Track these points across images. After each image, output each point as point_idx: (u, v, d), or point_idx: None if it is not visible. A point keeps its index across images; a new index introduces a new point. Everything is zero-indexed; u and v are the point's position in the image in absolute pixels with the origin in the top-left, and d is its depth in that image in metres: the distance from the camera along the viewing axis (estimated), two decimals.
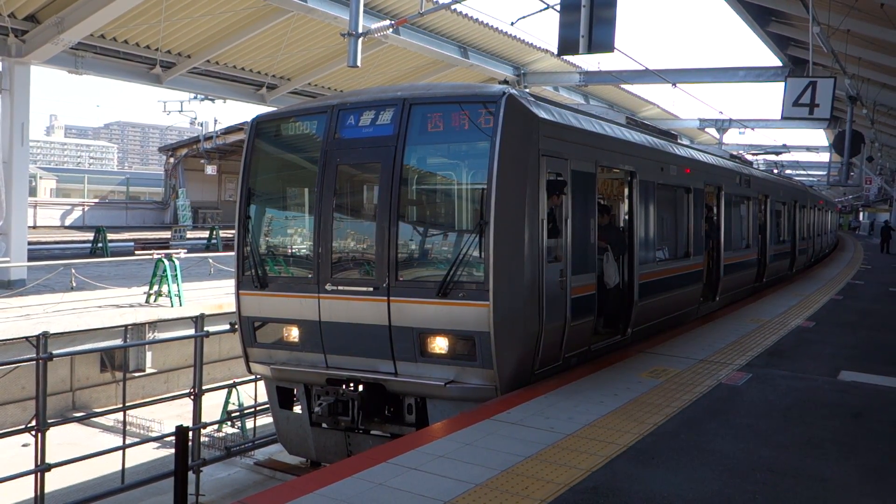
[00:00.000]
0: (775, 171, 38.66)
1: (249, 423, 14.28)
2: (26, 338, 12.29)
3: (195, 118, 44.06)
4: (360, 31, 14.22)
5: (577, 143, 8.73)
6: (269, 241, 9.22)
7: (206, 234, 34.49)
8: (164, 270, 16.07)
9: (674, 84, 25.33)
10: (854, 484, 5.42)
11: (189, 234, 35.30)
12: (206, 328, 12.10)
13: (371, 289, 7.91)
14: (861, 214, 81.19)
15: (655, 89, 36.18)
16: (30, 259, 18.64)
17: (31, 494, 10.01)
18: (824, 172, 48.28)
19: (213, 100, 33.76)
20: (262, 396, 12.49)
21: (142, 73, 21.72)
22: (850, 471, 5.67)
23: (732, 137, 45.44)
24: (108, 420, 15.29)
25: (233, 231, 9.24)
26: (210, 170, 44.26)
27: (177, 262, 16.29)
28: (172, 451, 10.41)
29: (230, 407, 14.47)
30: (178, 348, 17.72)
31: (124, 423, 12.33)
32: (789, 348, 10.45)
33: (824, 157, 48.61)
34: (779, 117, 13.01)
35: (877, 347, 11.01)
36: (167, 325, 15.51)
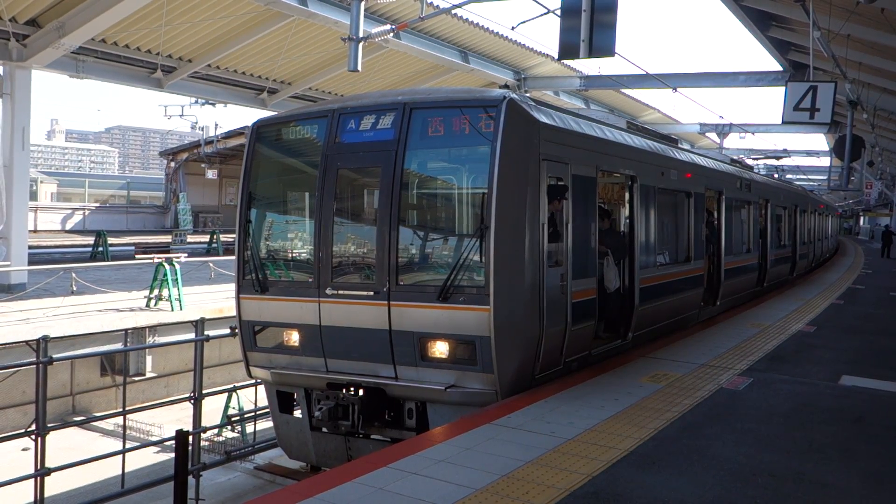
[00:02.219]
0: (776, 175, 38.68)
1: (249, 428, 14.27)
2: (26, 342, 12.28)
3: (196, 122, 44.07)
4: (361, 35, 14.29)
5: (578, 148, 8.73)
6: (270, 245, 9.22)
7: (206, 238, 34.51)
8: (165, 274, 16.08)
9: (674, 89, 25.32)
10: (855, 489, 5.41)
11: (190, 238, 35.28)
12: (206, 332, 12.11)
13: (371, 293, 7.91)
14: (862, 219, 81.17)
15: (656, 94, 36.36)
16: (30, 263, 18.68)
17: (31, 499, 10.01)
18: (825, 177, 48.33)
19: (213, 104, 33.87)
20: (263, 401, 12.49)
21: (143, 78, 21.75)
22: (851, 476, 5.66)
23: (733, 142, 45.40)
24: (108, 424, 15.29)
25: (233, 235, 9.24)
26: (211, 174, 44.32)
27: (177, 266, 16.30)
28: (172, 455, 10.40)
29: (230, 411, 14.46)
30: (178, 352, 17.71)
31: (124, 427, 12.34)
32: (790, 353, 10.44)
33: (825, 161, 48.59)
34: (779, 122, 12.99)
35: (878, 352, 11.00)
36: (167, 329, 15.51)
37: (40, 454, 9.95)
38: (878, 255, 40.31)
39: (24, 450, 13.26)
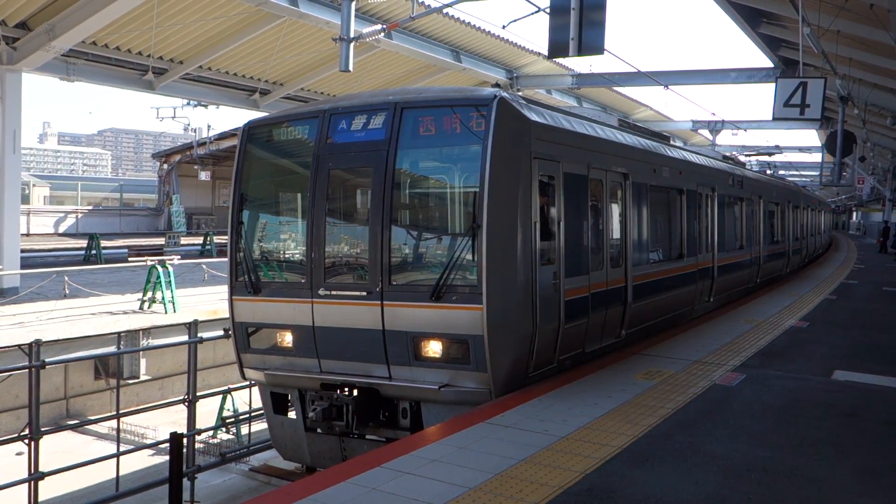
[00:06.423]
0: (768, 171, 38.77)
1: (244, 429, 14.25)
2: (19, 346, 12.24)
3: (188, 124, 44.07)
4: (352, 35, 14.28)
5: (569, 146, 8.74)
6: (263, 246, 9.21)
7: (200, 239, 34.42)
8: (158, 277, 16.04)
9: (666, 86, 25.40)
10: (848, 484, 5.42)
11: (183, 241, 35.22)
12: (199, 334, 12.09)
13: (364, 293, 7.91)
14: (854, 214, 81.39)
15: (648, 91, 36.26)
16: (23, 267, 18.59)
17: (26, 503, 9.97)
18: (817, 173, 48.46)
19: (206, 105, 33.78)
20: (257, 402, 12.47)
21: (134, 80, 21.68)
22: (844, 470, 5.68)
23: (725, 138, 45.61)
24: (102, 427, 15.24)
25: (227, 237, 9.22)
26: (204, 176, 44.27)
27: (170, 269, 16.26)
28: (167, 457, 10.38)
29: (225, 413, 14.44)
30: (172, 355, 17.67)
31: (118, 430, 12.29)
32: (783, 348, 10.47)
33: (817, 157, 48.74)
34: (771, 118, 13.02)
35: (870, 347, 11.03)
36: (161, 331, 15.47)
37: (34, 458, 9.91)
38: (875, 250, 40.32)
39: (17, 454, 13.24)
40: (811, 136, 47.62)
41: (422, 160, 8.20)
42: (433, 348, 7.68)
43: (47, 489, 10.71)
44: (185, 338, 12.61)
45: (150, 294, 16.19)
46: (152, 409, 13.86)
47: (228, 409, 14.41)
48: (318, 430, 8.54)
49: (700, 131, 43.93)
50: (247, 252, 8.86)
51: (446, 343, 7.62)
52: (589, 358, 9.30)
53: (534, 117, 8.06)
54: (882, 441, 6.46)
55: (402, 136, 7.88)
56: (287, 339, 8.51)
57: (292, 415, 8.94)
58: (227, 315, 9.16)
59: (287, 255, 9.12)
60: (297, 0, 18.24)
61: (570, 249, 8.58)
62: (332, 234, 8.35)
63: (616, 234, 10.22)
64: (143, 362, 16.71)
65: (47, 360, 10.53)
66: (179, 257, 20.12)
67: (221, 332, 11.88)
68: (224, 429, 14.41)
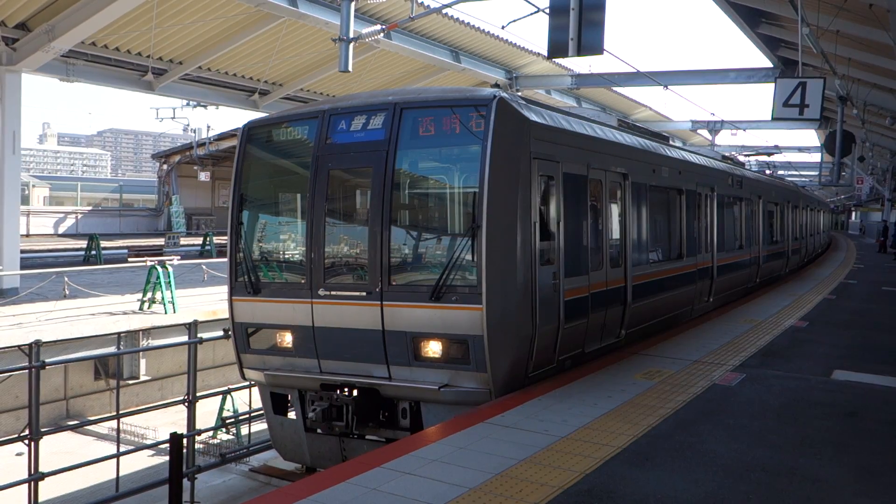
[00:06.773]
0: (767, 171, 38.79)
1: (244, 430, 14.26)
2: (19, 346, 12.25)
3: (188, 125, 44.12)
4: (352, 36, 14.29)
5: (569, 146, 8.75)
6: (262, 246, 9.21)
7: (199, 240, 34.42)
8: (158, 277, 16.04)
9: (665, 86, 25.40)
10: (847, 483, 5.43)
11: (183, 241, 35.21)
12: (199, 335, 12.09)
13: (364, 293, 7.91)
14: (854, 214, 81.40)
15: (647, 91, 36.37)
16: (22, 267, 18.59)
17: (25, 503, 9.98)
18: (816, 172, 48.48)
19: (205, 106, 33.80)
20: (257, 402, 12.48)
21: (133, 80, 21.67)
22: (843, 470, 5.69)
23: (724, 139, 45.62)
24: (102, 428, 15.25)
25: (226, 237, 9.23)
26: (203, 176, 44.32)
27: (170, 269, 16.26)
28: (167, 458, 10.38)
29: (225, 413, 14.44)
30: (172, 355, 17.67)
31: (118, 430, 12.30)
32: (783, 348, 10.47)
33: (816, 157, 48.77)
34: (770, 118, 13.02)
35: (870, 347, 11.04)
36: (161, 332, 15.47)
37: (34, 458, 9.92)
38: (874, 250, 40.31)
39: (17, 455, 13.25)
40: (810, 136, 47.71)
41: (421, 160, 8.21)
42: (433, 348, 7.69)
43: (47, 490, 10.72)
44: (184, 338, 12.61)
45: (149, 294, 16.19)
46: (152, 409, 13.86)
47: (228, 410, 14.41)
48: (318, 431, 8.54)
49: (699, 131, 43.96)
50: (246, 252, 8.87)
51: (446, 343, 7.62)
52: (589, 358, 9.30)
53: (533, 117, 8.06)
54: (882, 441, 6.47)
55: (402, 137, 7.89)
56: (287, 339, 8.52)
57: (292, 415, 8.94)
58: (226, 315, 9.17)
59: (287, 256, 9.12)
60: (297, 0, 18.25)
61: (569, 250, 8.59)
62: (331, 234, 8.36)
63: (615, 234, 10.22)
64: (142, 363, 16.70)
65: (47, 360, 10.54)
66: (179, 258, 20.12)
67: (221, 333, 11.89)
68: (224, 429, 14.41)
